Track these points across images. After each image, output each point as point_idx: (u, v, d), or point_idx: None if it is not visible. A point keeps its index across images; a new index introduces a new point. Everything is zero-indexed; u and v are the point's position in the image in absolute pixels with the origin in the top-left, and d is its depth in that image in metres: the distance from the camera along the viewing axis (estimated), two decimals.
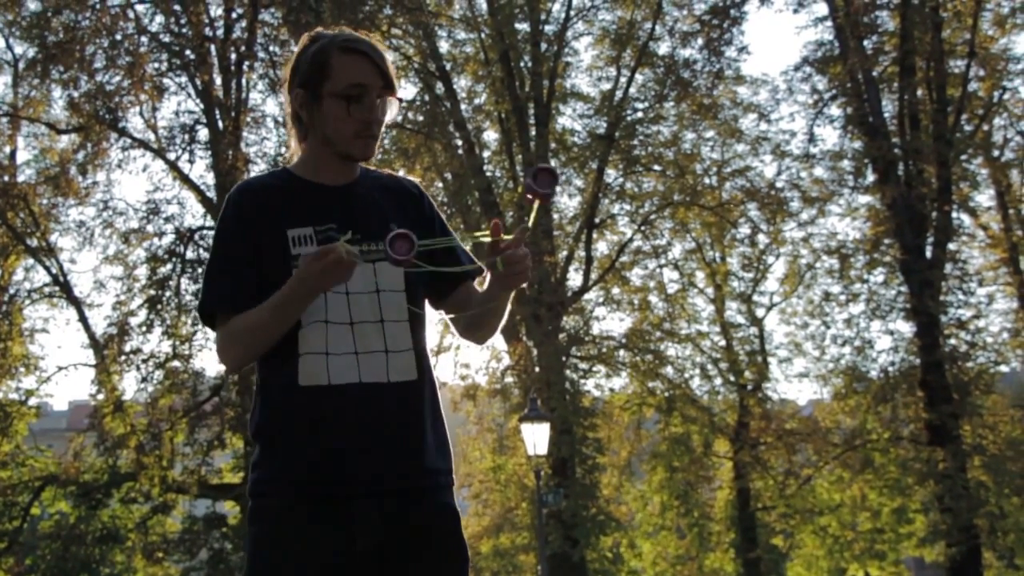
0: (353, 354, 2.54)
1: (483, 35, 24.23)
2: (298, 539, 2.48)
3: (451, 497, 2.68)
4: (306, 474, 2.50)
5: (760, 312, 26.00)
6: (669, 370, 25.24)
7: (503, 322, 2.81)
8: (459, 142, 24.00)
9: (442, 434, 2.70)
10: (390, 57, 2.69)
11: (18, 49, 23.34)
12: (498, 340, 24.39)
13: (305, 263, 2.44)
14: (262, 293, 2.56)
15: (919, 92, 22.75)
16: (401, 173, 2.90)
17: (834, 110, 24.26)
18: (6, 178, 22.16)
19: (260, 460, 2.58)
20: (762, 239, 25.83)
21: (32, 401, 22.25)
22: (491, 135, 25.55)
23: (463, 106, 24.53)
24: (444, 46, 24.68)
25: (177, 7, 21.62)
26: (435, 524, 2.60)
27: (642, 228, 25.38)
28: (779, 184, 25.06)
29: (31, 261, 22.53)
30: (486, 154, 25.12)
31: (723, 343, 25.76)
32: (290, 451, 2.53)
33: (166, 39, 22.08)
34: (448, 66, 24.46)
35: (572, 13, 24.83)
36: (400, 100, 2.70)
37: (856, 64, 22.57)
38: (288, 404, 2.54)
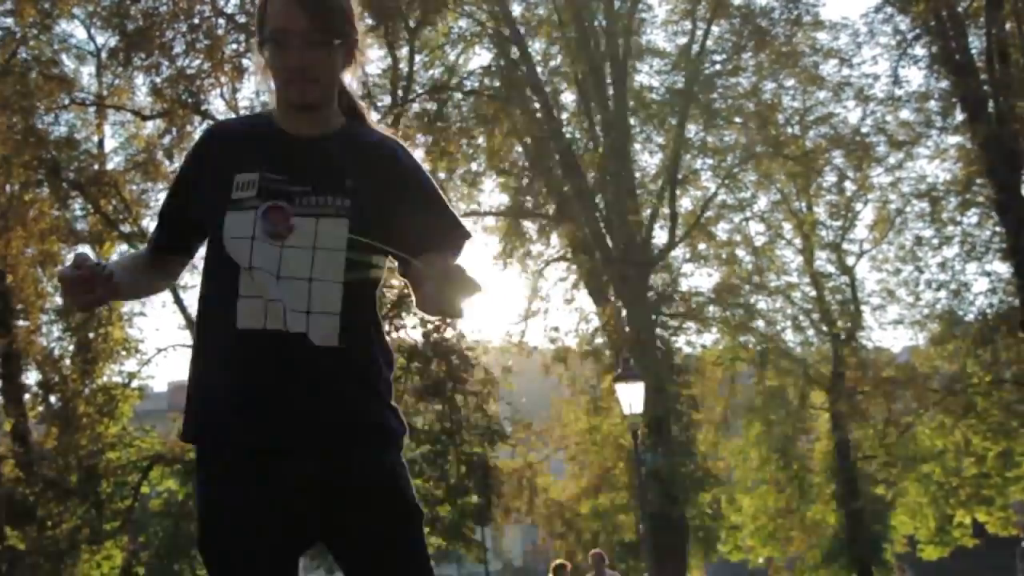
0: (274, 301, 2.44)
1: None
2: (228, 483, 2.47)
3: (382, 455, 2.53)
4: (216, 422, 2.50)
5: (850, 260, 25.64)
6: (760, 323, 25.09)
7: (448, 310, 2.43)
8: (537, 106, 23.93)
9: (374, 399, 2.54)
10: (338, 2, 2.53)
11: (100, 39, 23.71)
12: (587, 302, 24.43)
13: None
14: (201, 233, 2.59)
15: (1007, 26, 22.15)
16: (388, 135, 2.71)
17: (918, 50, 23.75)
18: (96, 166, 22.59)
19: (197, 404, 2.56)
20: (849, 186, 25.45)
21: (134, 383, 22.76)
22: (568, 97, 25.47)
23: (539, 69, 24.45)
24: (517, 9, 24.62)
25: None
26: (356, 484, 2.48)
27: (726, 182, 25.16)
28: (864, 129, 24.67)
29: (125, 246, 22.94)
30: (564, 116, 25.04)
31: (814, 293, 25.45)
32: (204, 394, 2.53)
33: (242, 19, 22.26)
34: (522, 30, 24.35)
35: None
36: (337, 42, 2.50)
37: (940, 1, 22.02)
38: (228, 347, 2.48)
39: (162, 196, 23.08)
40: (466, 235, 2.64)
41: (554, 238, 25.33)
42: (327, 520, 2.49)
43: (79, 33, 25.55)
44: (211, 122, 21.93)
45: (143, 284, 2.81)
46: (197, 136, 2.76)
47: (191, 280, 18.82)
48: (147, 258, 2.74)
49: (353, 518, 2.49)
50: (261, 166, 2.51)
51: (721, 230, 25.32)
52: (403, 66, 23.48)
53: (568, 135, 24.51)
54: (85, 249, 23.50)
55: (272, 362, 2.44)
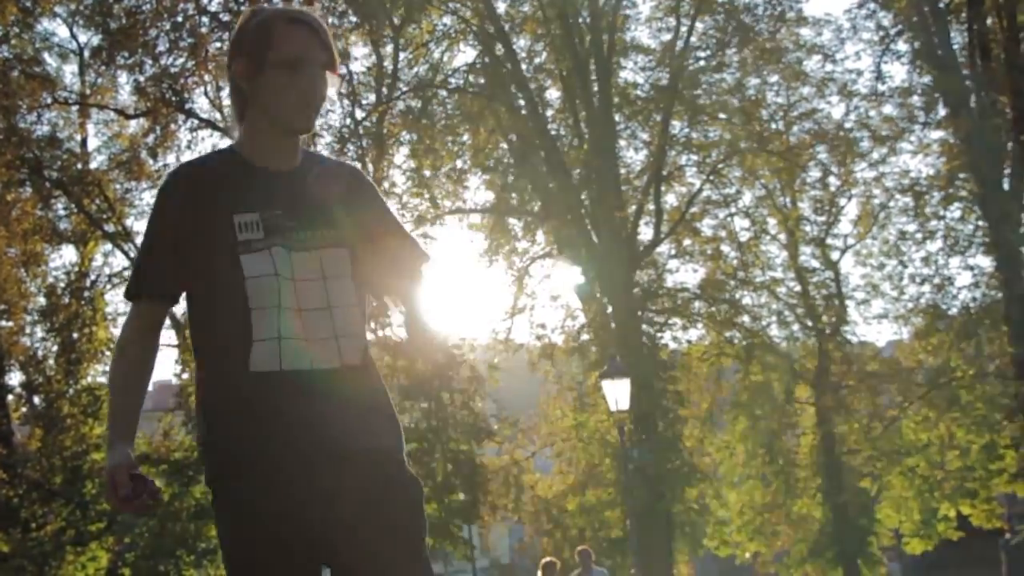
0: (304, 340, 2.50)
1: None
2: (263, 512, 2.45)
3: (407, 471, 2.60)
4: (259, 457, 2.46)
5: (835, 255, 25.66)
6: (746, 319, 25.12)
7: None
8: (522, 103, 23.93)
9: (386, 417, 2.62)
10: (331, 33, 2.65)
11: (82, 37, 23.67)
12: (572, 298, 24.44)
13: (113, 481, 2.43)
14: (199, 278, 2.54)
15: (988, 21, 22.26)
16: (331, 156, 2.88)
17: (901, 46, 23.87)
18: (79, 165, 22.51)
19: (217, 448, 2.53)
20: (833, 181, 25.48)
21: None
22: (553, 94, 25.46)
23: (523, 66, 24.44)
24: (501, 7, 24.61)
25: None
26: (392, 496, 2.53)
27: (710, 178, 25.19)
28: (848, 125, 24.73)
29: (109, 246, 22.94)
30: (549, 113, 25.02)
31: (799, 288, 25.50)
32: (243, 436, 2.48)
33: (226, 18, 22.19)
34: (507, 27, 24.34)
35: None
36: (340, 78, 2.69)
37: None
38: (240, 390, 2.48)
39: (147, 196, 22.92)
40: (426, 257, 2.78)
41: (539, 235, 25.35)
42: (354, 539, 2.48)
43: (61, 31, 25.64)
44: (196, 121, 22.07)
45: (147, 382, 2.68)
46: (167, 175, 2.68)
47: None
48: (142, 344, 2.63)
49: (382, 534, 2.50)
50: (257, 205, 2.56)
51: (706, 226, 25.38)
52: (387, 64, 23.49)
53: (553, 132, 24.51)
54: (69, 250, 23.46)
55: (293, 402, 2.47)
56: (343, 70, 23.20)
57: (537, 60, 25.25)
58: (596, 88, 23.88)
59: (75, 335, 22.37)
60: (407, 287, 2.72)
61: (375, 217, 2.73)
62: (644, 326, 23.77)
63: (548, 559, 14.53)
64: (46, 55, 23.15)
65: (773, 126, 25.19)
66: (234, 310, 2.49)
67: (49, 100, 22.14)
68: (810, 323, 25.22)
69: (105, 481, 2.49)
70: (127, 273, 22.78)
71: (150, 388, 2.80)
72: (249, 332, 2.48)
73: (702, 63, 24.67)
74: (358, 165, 2.81)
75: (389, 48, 23.59)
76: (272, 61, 2.55)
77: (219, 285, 2.52)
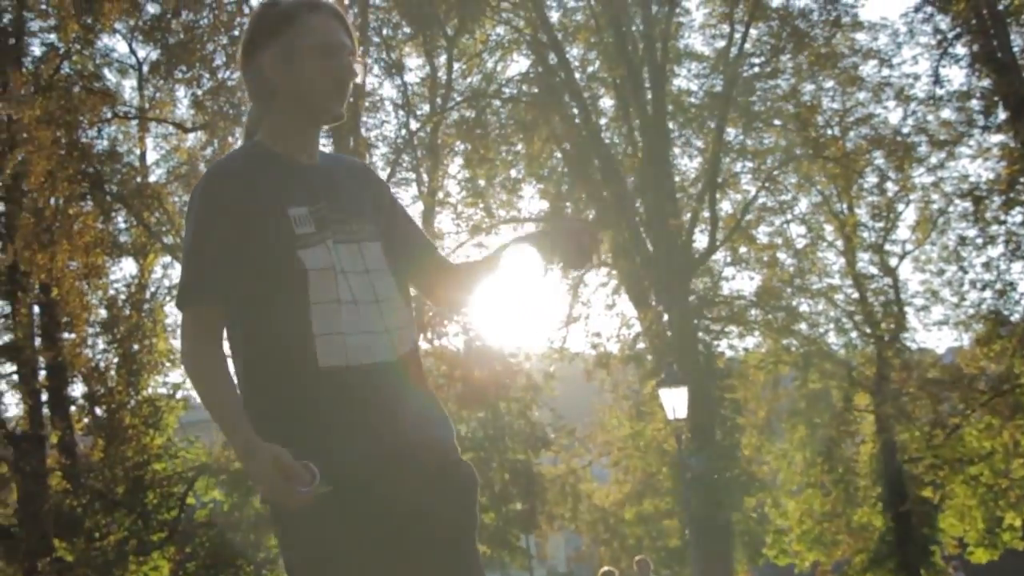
0: (363, 333, 2.47)
1: (592, 1, 24.06)
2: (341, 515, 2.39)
3: (463, 460, 2.58)
4: (334, 457, 2.39)
5: (893, 261, 25.41)
6: (803, 326, 24.93)
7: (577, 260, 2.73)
8: (575, 111, 23.92)
9: (437, 404, 2.62)
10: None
11: (141, 53, 23.93)
12: (628, 307, 24.37)
13: (274, 472, 2.28)
14: (253, 276, 2.47)
15: None
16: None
17: (959, 49, 23.51)
18: (139, 179, 22.77)
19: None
20: (890, 187, 25.22)
21: (179, 394, 22.94)
22: (607, 102, 25.46)
23: (577, 75, 24.45)
24: (554, 16, 24.62)
25: None
26: (452, 485, 2.52)
27: (766, 184, 25.05)
28: (905, 129, 24.44)
29: (168, 258, 23.15)
30: (603, 121, 25.02)
31: (856, 295, 25.25)
32: (314, 436, 2.41)
33: None
34: (560, 36, 24.35)
35: None
36: (364, 64, 2.68)
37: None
38: (307, 388, 2.43)
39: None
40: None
41: None
42: (415, 532, 2.45)
43: (121, 47, 26.06)
44: None
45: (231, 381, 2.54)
46: (205, 175, 2.60)
47: None
48: (219, 354, 2.51)
49: (449, 522, 2.49)
50: (304, 199, 2.53)
51: (762, 233, 25.22)
52: (441, 74, 23.57)
53: (607, 140, 24.50)
54: (129, 262, 23.74)
55: (362, 397, 2.44)
56: (397, 81, 23.38)
57: (590, 69, 25.27)
58: (650, 96, 23.82)
59: (135, 347, 22.61)
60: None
61: (397, 211, 2.76)
62: (700, 334, 23.67)
63: (606, 568, 14.50)
64: (106, 70, 23.47)
65: (829, 132, 24.96)
66: (294, 306, 2.44)
67: (109, 115, 22.41)
68: (868, 330, 24.97)
69: (268, 476, 2.29)
70: None
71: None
72: (310, 328, 2.43)
73: (756, 69, 24.54)
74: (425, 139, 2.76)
75: (443, 59, 23.71)
76: (303, 48, 2.53)
77: (277, 282, 2.46)
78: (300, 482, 2.28)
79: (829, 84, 25.01)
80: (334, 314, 2.44)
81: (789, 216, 25.38)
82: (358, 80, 2.63)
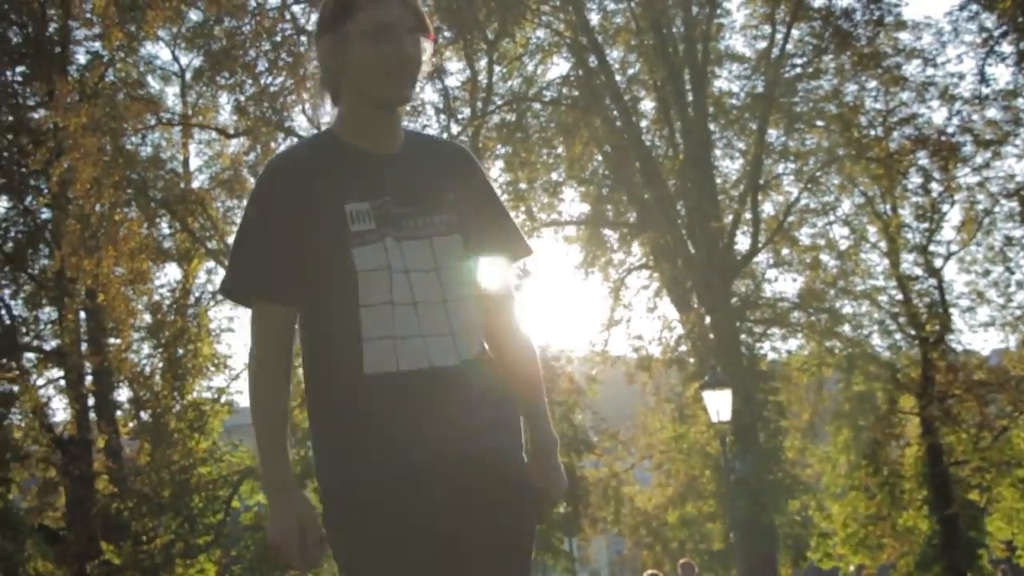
0: (421, 337, 2.36)
1: (633, 3, 24.00)
2: (393, 524, 2.33)
3: (525, 473, 2.49)
4: (379, 468, 2.34)
5: (938, 262, 25.15)
6: (846, 328, 24.72)
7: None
8: (616, 114, 23.87)
9: (506, 411, 2.51)
10: None
11: (184, 60, 24.18)
12: (670, 309, 24.30)
13: (294, 530, 2.30)
14: (306, 275, 2.39)
15: None
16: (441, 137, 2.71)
17: (1005, 47, 23.26)
18: (182, 185, 22.99)
19: (333, 457, 2.40)
20: (935, 187, 24.96)
21: (224, 399, 23.12)
22: (647, 104, 25.35)
23: (617, 77, 24.38)
24: (594, 18, 24.57)
25: None
26: (508, 500, 2.42)
27: (808, 186, 24.87)
28: (950, 129, 24.15)
29: (212, 264, 23.35)
30: (644, 124, 24.93)
31: (901, 297, 25.02)
32: (360, 447, 2.35)
33: None
34: (600, 39, 24.31)
35: None
36: (434, 41, 2.50)
37: None
38: (355, 394, 2.36)
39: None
40: (528, 251, 2.66)
41: (635, 246, 25.26)
42: (466, 546, 2.39)
43: (164, 55, 26.34)
44: (295, 139, 22.37)
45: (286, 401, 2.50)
46: (266, 166, 2.51)
47: None
48: (277, 363, 2.43)
49: (488, 542, 2.42)
50: (366, 193, 2.43)
51: (804, 235, 25.05)
52: (482, 78, 23.59)
53: (648, 143, 24.41)
54: (173, 267, 23.93)
55: (413, 405, 2.35)
56: (439, 85, 23.43)
57: (631, 71, 25.19)
58: (691, 98, 23.72)
59: (180, 351, 22.84)
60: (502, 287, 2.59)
61: (484, 201, 2.60)
62: (743, 336, 23.54)
63: (650, 572, 14.47)
64: (150, 78, 23.80)
65: (872, 132, 24.73)
66: (343, 308, 2.36)
67: (153, 121, 22.64)
68: (913, 332, 24.74)
69: (286, 531, 2.31)
70: None
71: None
72: (359, 332, 2.34)
73: (798, 70, 24.36)
74: (466, 143, 2.61)
75: (483, 62, 23.74)
76: (354, 32, 2.44)
77: (328, 282, 2.38)
78: (310, 558, 2.31)
79: (872, 84, 24.77)
80: (386, 317, 2.34)
81: (832, 217, 25.21)
82: (424, 57, 2.50)
